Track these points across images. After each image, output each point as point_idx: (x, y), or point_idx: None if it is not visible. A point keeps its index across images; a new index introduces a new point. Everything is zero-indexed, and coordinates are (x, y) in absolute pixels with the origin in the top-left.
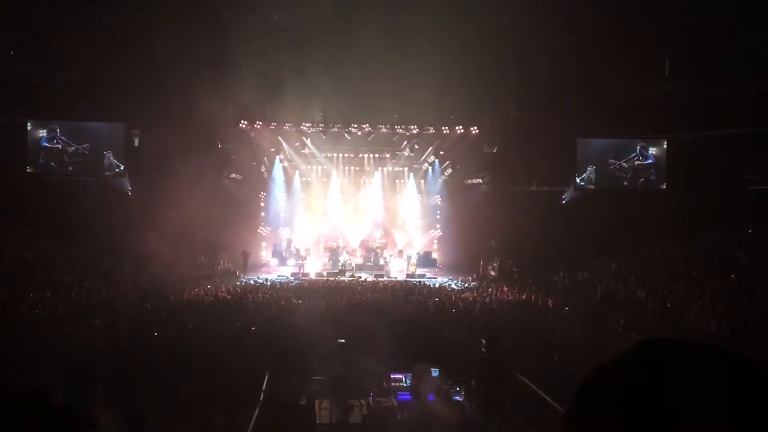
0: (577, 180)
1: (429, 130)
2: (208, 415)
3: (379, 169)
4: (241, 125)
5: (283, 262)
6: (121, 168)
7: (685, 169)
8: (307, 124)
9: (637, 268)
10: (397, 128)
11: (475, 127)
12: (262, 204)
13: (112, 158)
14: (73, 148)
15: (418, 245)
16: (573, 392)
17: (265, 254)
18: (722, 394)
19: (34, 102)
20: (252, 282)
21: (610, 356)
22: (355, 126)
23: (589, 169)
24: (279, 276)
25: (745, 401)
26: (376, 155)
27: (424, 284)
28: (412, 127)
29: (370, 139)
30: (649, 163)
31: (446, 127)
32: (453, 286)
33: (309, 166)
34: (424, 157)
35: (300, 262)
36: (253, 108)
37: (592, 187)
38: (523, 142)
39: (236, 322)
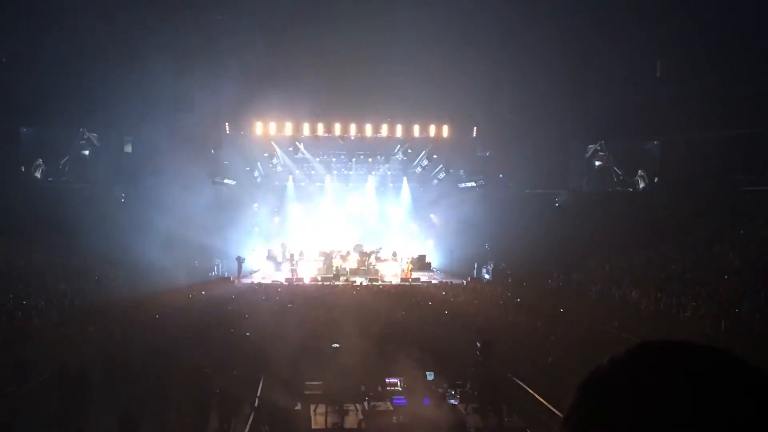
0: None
1: (422, 134)
2: (203, 421)
3: (373, 173)
4: (233, 131)
5: (277, 267)
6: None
7: (678, 171)
8: (300, 129)
9: (631, 270)
10: (390, 133)
11: (468, 131)
12: (256, 209)
13: (106, 164)
14: (66, 156)
15: (412, 249)
16: (572, 394)
17: (260, 259)
18: (723, 396)
19: (27, 109)
20: (246, 287)
21: (608, 358)
22: (349, 131)
23: (581, 172)
24: (273, 281)
25: (745, 403)
26: (370, 159)
27: (419, 288)
28: (403, 129)
29: (363, 143)
30: (641, 165)
31: (439, 131)
32: (447, 289)
33: (302, 171)
34: (417, 160)
35: (294, 267)
36: (245, 113)
37: (586, 189)
38: (516, 145)
39: (231, 328)
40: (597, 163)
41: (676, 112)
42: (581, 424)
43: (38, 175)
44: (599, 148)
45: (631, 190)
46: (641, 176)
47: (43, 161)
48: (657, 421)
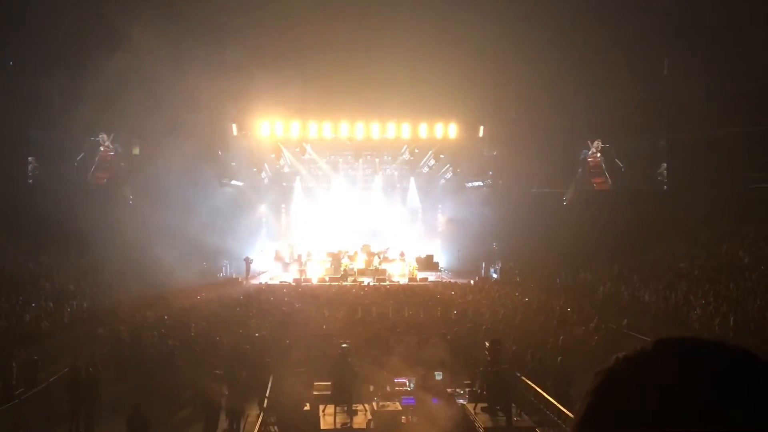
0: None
1: (429, 133)
2: (212, 421)
3: (380, 173)
4: (240, 132)
5: (285, 267)
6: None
7: (686, 169)
8: (307, 130)
9: (640, 268)
10: (397, 133)
11: (475, 130)
12: (263, 210)
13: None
14: (74, 159)
15: (420, 249)
16: (585, 393)
17: (267, 260)
18: (746, 395)
19: (34, 112)
20: (255, 288)
21: (622, 356)
22: (355, 132)
23: (587, 170)
24: (281, 281)
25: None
26: (377, 160)
27: (427, 287)
28: (410, 129)
29: (370, 143)
30: (649, 163)
31: (446, 131)
32: (455, 289)
33: (309, 172)
34: (424, 160)
35: (302, 267)
36: (252, 114)
37: (593, 187)
38: (523, 144)
39: (239, 329)
40: (601, 158)
41: (683, 109)
42: (597, 424)
43: (44, 177)
44: (605, 144)
45: (638, 188)
46: (648, 174)
47: (51, 164)
48: (677, 420)
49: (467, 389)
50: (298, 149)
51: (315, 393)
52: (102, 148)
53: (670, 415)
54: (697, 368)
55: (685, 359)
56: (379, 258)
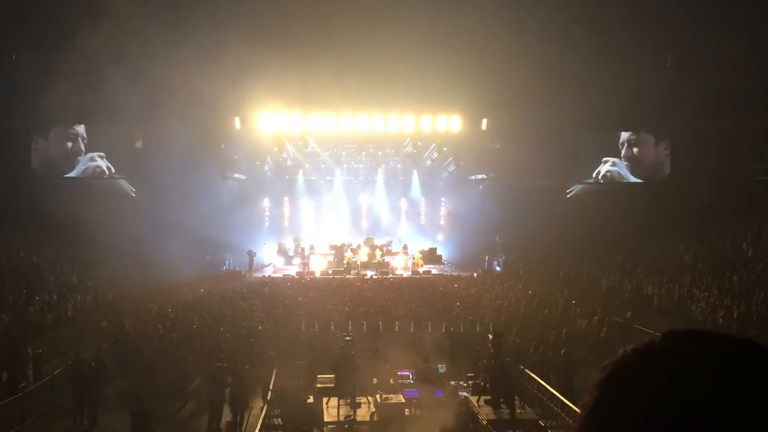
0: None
1: (432, 126)
2: (216, 414)
3: (383, 166)
4: (243, 125)
5: (288, 260)
6: (113, 170)
7: (691, 162)
8: (310, 123)
9: (643, 261)
10: (400, 125)
11: (478, 123)
12: (266, 203)
13: (104, 161)
14: (81, 153)
15: (423, 242)
16: (593, 386)
17: (270, 253)
18: (757, 388)
19: (37, 106)
20: (258, 281)
21: (630, 348)
22: (358, 124)
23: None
24: (285, 275)
25: None
26: (380, 152)
27: (430, 280)
28: (413, 122)
29: (373, 136)
30: (653, 156)
31: (449, 124)
32: (458, 282)
33: (312, 165)
34: (427, 153)
35: (305, 260)
36: (255, 107)
37: (601, 181)
38: (526, 137)
39: (243, 322)
40: (608, 154)
41: (686, 102)
42: (605, 417)
43: (47, 171)
44: (609, 138)
45: (642, 181)
46: (652, 167)
47: (53, 158)
48: (687, 413)
49: (470, 382)
50: (300, 142)
51: (318, 386)
52: (107, 142)
53: (679, 409)
54: (707, 361)
55: (694, 352)
56: (382, 251)
